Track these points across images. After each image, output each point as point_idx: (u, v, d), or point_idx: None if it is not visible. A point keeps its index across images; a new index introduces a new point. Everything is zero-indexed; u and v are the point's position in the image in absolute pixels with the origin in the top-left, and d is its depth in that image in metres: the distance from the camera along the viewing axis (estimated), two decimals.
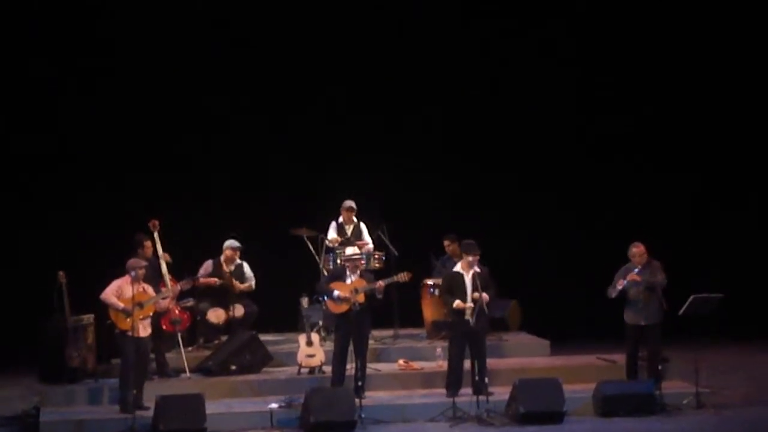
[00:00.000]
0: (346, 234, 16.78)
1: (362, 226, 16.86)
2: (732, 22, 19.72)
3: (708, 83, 19.79)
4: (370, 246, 16.70)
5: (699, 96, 19.82)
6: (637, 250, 14.76)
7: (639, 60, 19.81)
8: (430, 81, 19.19)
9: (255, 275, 16.52)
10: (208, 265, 16.45)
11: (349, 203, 16.79)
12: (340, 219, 16.87)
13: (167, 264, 15.37)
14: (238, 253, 16.44)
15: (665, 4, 19.64)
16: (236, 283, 16.31)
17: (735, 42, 19.80)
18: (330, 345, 15.25)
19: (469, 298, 14.41)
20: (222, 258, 16.45)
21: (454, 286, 14.54)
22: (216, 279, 16.27)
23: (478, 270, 14.49)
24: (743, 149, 20.02)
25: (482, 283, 14.37)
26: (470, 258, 14.52)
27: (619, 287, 14.67)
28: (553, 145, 19.68)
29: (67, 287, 15.06)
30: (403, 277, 14.92)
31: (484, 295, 14.30)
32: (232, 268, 16.42)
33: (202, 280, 16.17)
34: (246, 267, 16.51)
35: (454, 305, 14.44)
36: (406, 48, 19.10)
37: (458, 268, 14.69)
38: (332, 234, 16.79)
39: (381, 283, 14.61)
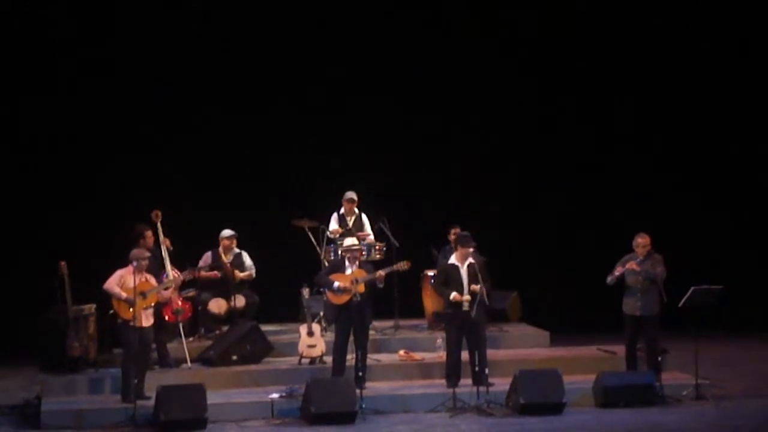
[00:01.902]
0: (347, 225, 16.80)
1: (364, 217, 16.89)
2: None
3: (708, 82, 19.78)
4: (372, 237, 16.73)
5: (699, 94, 19.83)
6: (642, 240, 14.77)
7: (640, 58, 19.83)
8: (431, 74, 19.18)
9: (256, 265, 16.57)
10: (207, 257, 16.49)
11: (351, 194, 16.82)
12: (342, 210, 16.90)
13: (168, 250, 15.41)
14: (235, 242, 16.49)
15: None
16: (236, 272, 16.35)
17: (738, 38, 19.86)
18: (331, 335, 15.28)
19: (465, 289, 14.42)
20: (220, 248, 16.49)
21: (449, 279, 14.54)
22: (217, 272, 16.30)
23: (472, 261, 14.51)
24: (744, 145, 20.03)
25: (478, 274, 14.35)
26: (465, 250, 14.54)
27: (617, 274, 14.70)
28: (553, 138, 19.68)
29: (68, 277, 15.07)
30: (402, 265, 14.95)
31: (481, 287, 14.30)
32: (231, 257, 16.47)
33: (203, 273, 16.19)
34: (245, 255, 16.56)
35: (451, 297, 14.43)
36: (409, 40, 19.10)
37: (453, 260, 14.70)
38: (333, 225, 16.82)
39: (381, 273, 14.65)
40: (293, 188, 18.63)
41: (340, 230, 16.69)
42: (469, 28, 19.40)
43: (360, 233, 16.53)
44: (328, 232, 16.70)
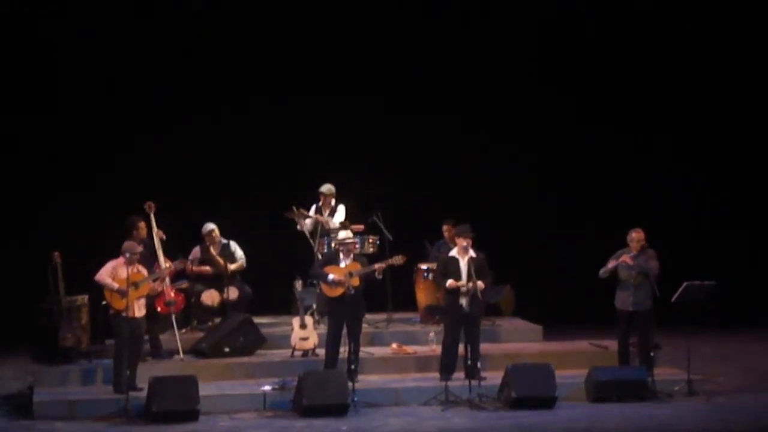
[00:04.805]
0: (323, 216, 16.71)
1: (340, 207, 16.69)
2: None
3: (714, 79, 19.80)
4: (333, 223, 16.50)
5: (696, 92, 19.86)
6: (636, 235, 14.76)
7: (640, 57, 19.87)
8: (426, 68, 19.17)
9: (248, 257, 16.52)
10: (196, 252, 16.44)
11: (323, 187, 16.66)
12: (320, 202, 16.80)
13: (161, 241, 15.40)
14: (217, 232, 16.42)
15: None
16: (227, 264, 16.32)
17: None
18: (323, 328, 15.28)
19: (464, 281, 14.43)
20: (207, 243, 16.47)
21: (449, 270, 14.56)
22: (208, 268, 16.29)
23: (473, 255, 14.52)
24: (742, 140, 20.06)
25: (478, 269, 14.38)
26: (464, 242, 14.55)
27: (610, 266, 14.70)
28: (548, 132, 19.68)
29: (61, 267, 15.07)
30: (397, 259, 14.95)
31: (479, 283, 14.33)
32: (219, 248, 16.44)
33: (195, 269, 16.18)
34: (234, 245, 16.51)
35: (447, 284, 14.44)
36: (402, 32, 19.09)
37: (454, 252, 14.72)
38: (311, 214, 16.72)
39: (381, 265, 14.64)
40: (286, 180, 18.59)
41: (307, 214, 16.52)
42: (464, 21, 19.40)
43: (324, 220, 16.41)
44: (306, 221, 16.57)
